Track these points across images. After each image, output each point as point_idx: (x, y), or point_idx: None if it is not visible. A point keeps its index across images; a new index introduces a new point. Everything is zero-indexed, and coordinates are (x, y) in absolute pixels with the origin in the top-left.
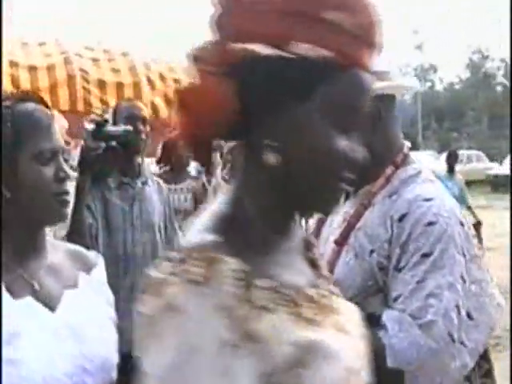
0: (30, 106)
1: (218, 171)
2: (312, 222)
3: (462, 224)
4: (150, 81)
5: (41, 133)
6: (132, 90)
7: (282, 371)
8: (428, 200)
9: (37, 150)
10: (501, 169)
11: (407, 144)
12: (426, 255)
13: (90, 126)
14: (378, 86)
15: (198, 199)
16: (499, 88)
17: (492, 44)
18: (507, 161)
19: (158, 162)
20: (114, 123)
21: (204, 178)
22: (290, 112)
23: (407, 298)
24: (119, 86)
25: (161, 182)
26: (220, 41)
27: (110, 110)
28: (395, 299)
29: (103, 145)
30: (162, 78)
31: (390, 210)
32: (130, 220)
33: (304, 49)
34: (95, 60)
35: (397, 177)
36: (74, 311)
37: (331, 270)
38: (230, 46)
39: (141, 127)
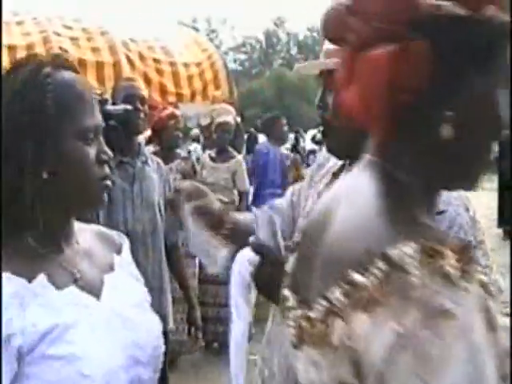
0: (70, 75)
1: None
2: (310, 202)
3: (467, 210)
4: (129, 60)
5: (85, 107)
6: (112, 69)
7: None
8: None
9: (82, 127)
10: None
11: None
12: None
13: None
14: None
15: (188, 179)
16: None
17: None
18: None
19: (148, 142)
20: (113, 103)
21: (194, 158)
22: (472, 83)
23: None
24: (99, 65)
25: (160, 161)
26: None
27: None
28: None
29: (103, 124)
30: (142, 57)
31: None
32: (130, 199)
33: (493, 13)
34: (74, 39)
35: None
36: (118, 296)
37: None
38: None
39: (140, 106)
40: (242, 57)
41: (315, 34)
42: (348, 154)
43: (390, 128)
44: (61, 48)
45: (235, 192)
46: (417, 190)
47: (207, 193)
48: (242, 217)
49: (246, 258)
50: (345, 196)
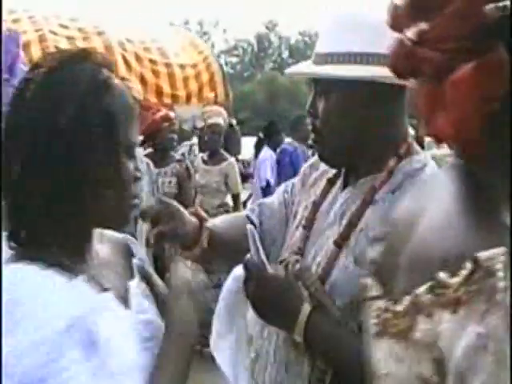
0: (122, 83)
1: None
2: (301, 208)
3: None
4: (125, 61)
5: (134, 121)
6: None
7: None
8: None
9: (130, 141)
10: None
11: (411, 132)
12: None
13: None
14: (382, 73)
15: (181, 183)
16: None
17: None
18: None
19: (142, 144)
20: None
21: (188, 162)
22: None
23: None
24: None
25: (150, 163)
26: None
27: None
28: None
29: None
30: (138, 58)
31: (393, 210)
32: None
33: None
34: (70, 38)
35: (400, 170)
36: (144, 305)
37: (328, 272)
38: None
39: None
40: (234, 60)
41: (306, 38)
42: (340, 162)
43: (479, 138)
44: (57, 47)
45: (228, 194)
46: (503, 194)
47: (179, 213)
48: (220, 224)
49: (234, 274)
50: (433, 195)
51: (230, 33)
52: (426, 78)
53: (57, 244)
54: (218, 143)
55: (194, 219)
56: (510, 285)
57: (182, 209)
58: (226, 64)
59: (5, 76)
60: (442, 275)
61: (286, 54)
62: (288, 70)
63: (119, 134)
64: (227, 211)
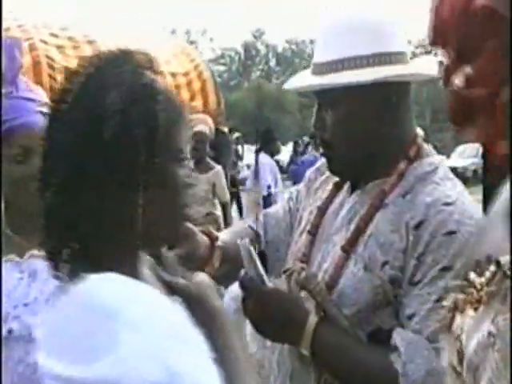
0: (167, 84)
1: None
2: (306, 213)
3: None
4: None
5: (184, 124)
6: None
7: None
8: (448, 204)
9: (180, 147)
10: (448, 162)
11: (421, 134)
12: (445, 269)
13: None
14: (395, 72)
15: None
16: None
17: None
18: (454, 154)
19: None
20: None
21: None
22: None
23: (424, 319)
24: None
25: None
26: None
27: None
28: (409, 317)
29: None
30: None
31: (404, 214)
32: None
33: None
34: (60, 47)
35: (411, 172)
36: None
37: (336, 280)
38: None
39: None
40: (221, 68)
41: (294, 46)
42: (352, 173)
43: None
44: (47, 56)
45: (216, 203)
46: None
47: (192, 234)
48: (229, 241)
49: (230, 292)
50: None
51: (216, 41)
52: (481, 117)
53: (108, 257)
54: (203, 151)
55: (205, 239)
56: (511, 286)
57: (194, 229)
58: (213, 73)
59: (9, 89)
60: (472, 275)
61: (273, 62)
62: (292, 85)
63: (166, 139)
64: (216, 220)
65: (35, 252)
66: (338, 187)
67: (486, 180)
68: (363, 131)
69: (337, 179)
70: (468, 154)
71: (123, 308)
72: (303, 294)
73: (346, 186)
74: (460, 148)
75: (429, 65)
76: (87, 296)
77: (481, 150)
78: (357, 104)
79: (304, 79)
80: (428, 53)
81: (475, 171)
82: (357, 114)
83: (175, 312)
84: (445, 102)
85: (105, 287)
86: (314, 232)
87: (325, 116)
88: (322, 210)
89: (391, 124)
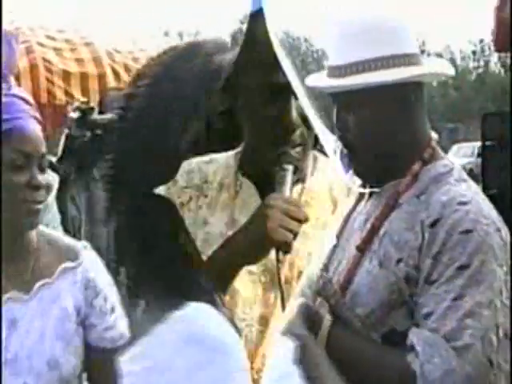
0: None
1: None
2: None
3: (499, 230)
4: (114, 71)
5: None
6: (97, 81)
7: None
8: (464, 204)
9: None
10: None
11: (435, 136)
12: (462, 267)
13: (74, 114)
14: (421, 71)
15: None
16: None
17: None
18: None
19: None
20: (101, 112)
21: None
22: None
23: (441, 317)
24: (83, 76)
25: None
26: None
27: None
28: (426, 317)
29: (88, 133)
30: (127, 68)
31: (419, 213)
32: None
33: None
34: (57, 49)
35: (425, 174)
36: None
37: (351, 279)
38: None
39: None
40: None
41: (290, 40)
42: (374, 173)
43: None
44: (44, 59)
45: None
46: None
47: None
48: None
49: None
50: None
51: None
52: None
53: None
54: None
55: None
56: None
57: None
58: None
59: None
60: None
61: None
62: (319, 84)
63: None
64: None
65: (14, 294)
66: (359, 198)
67: (485, 179)
68: (385, 132)
69: (359, 191)
70: (463, 154)
71: (226, 340)
72: (318, 299)
73: (367, 196)
74: (454, 147)
75: (443, 65)
76: (192, 326)
77: (477, 150)
78: (380, 105)
79: (321, 81)
80: (422, 52)
81: (471, 170)
82: (380, 114)
83: None
84: (438, 102)
85: (204, 317)
86: (336, 242)
87: (347, 117)
88: (345, 221)
89: (409, 124)
